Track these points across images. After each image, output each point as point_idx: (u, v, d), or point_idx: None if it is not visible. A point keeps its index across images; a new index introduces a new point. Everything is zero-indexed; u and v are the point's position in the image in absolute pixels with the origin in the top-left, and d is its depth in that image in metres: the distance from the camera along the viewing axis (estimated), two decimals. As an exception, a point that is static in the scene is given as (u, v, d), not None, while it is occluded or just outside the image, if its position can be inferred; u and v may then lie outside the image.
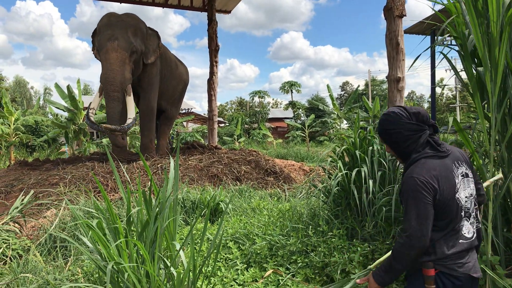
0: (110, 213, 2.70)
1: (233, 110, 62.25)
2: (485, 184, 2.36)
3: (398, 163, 3.51)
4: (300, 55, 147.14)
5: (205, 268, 3.01)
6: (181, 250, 2.59)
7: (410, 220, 1.85)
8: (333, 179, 3.58)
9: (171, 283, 2.63)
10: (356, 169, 3.44)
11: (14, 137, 17.68)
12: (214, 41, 12.90)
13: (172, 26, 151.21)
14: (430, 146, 1.97)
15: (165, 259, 2.70)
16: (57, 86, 16.52)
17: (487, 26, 2.72)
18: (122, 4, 12.91)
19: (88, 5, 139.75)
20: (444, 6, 3.13)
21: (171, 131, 17.42)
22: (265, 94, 49.45)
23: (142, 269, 2.51)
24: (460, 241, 1.91)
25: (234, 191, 6.48)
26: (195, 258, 2.63)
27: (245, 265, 3.42)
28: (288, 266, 3.30)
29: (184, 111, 32.82)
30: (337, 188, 3.62)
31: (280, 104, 70.96)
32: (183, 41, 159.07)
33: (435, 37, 3.96)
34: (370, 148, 3.54)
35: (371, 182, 3.30)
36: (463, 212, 1.92)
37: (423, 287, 1.89)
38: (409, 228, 1.85)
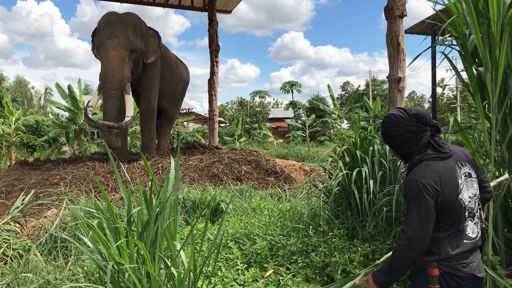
0: (111, 213, 2.70)
1: (233, 110, 62.27)
2: (491, 184, 2.36)
3: (398, 163, 3.51)
4: (300, 55, 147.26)
5: (206, 268, 3.01)
6: (181, 250, 2.59)
7: (411, 222, 1.87)
8: (333, 179, 3.58)
9: (171, 283, 2.63)
10: (357, 169, 3.44)
11: (15, 137, 17.70)
12: (215, 41, 12.90)
13: (172, 26, 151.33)
14: (432, 148, 1.97)
15: (165, 259, 2.70)
16: (57, 86, 16.53)
17: (487, 26, 2.72)
18: (123, 4, 12.91)
19: (89, 5, 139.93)
20: (444, 6, 3.13)
21: (171, 131, 17.43)
22: (266, 94, 49.44)
23: (143, 269, 2.51)
24: (465, 241, 1.91)
25: (234, 191, 6.48)
26: (196, 258, 2.63)
27: (246, 265, 3.42)
28: (289, 266, 3.30)
29: (184, 111, 32.82)
30: (337, 188, 3.62)
31: (281, 104, 70.99)
32: (183, 41, 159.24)
33: (436, 37, 3.95)
34: (371, 148, 3.54)
35: (371, 182, 3.30)
36: (467, 212, 1.92)
37: (427, 287, 1.89)
38: (410, 230, 1.87)
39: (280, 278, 3.14)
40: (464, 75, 3.13)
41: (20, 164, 8.68)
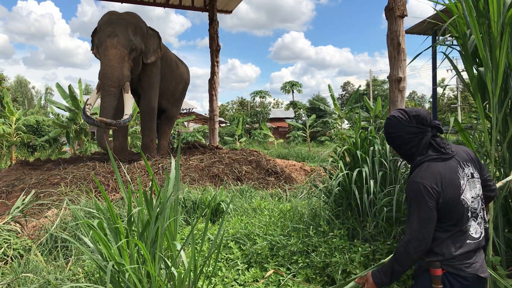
0: (111, 213, 2.70)
1: (234, 110, 62.30)
2: (498, 185, 2.36)
3: (399, 163, 3.51)
4: (301, 55, 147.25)
5: (206, 268, 3.01)
6: (182, 250, 2.59)
7: (412, 223, 1.89)
8: (334, 179, 3.58)
9: (172, 283, 2.63)
10: (357, 169, 3.44)
11: (15, 137, 17.70)
12: (215, 41, 12.90)
13: (173, 26, 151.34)
14: (433, 149, 1.97)
15: (166, 259, 2.70)
16: (58, 86, 16.53)
17: (488, 26, 2.72)
18: (123, 4, 12.91)
19: (89, 5, 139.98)
20: (445, 6, 3.13)
21: (172, 131, 17.43)
22: (266, 94, 49.43)
23: (143, 269, 2.51)
24: (468, 241, 1.91)
25: (235, 191, 6.48)
26: (196, 258, 2.63)
27: (246, 265, 3.42)
28: (289, 266, 3.30)
29: (185, 111, 32.83)
30: (338, 188, 3.62)
31: (281, 104, 71.00)
32: (184, 41, 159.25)
33: (437, 37, 3.95)
34: (371, 148, 3.54)
35: (372, 182, 3.30)
36: (469, 212, 1.93)
37: (430, 287, 1.90)
38: (411, 231, 1.88)
39: (281, 278, 3.14)
40: (464, 75, 3.14)
41: (20, 164, 8.69)
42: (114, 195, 6.22)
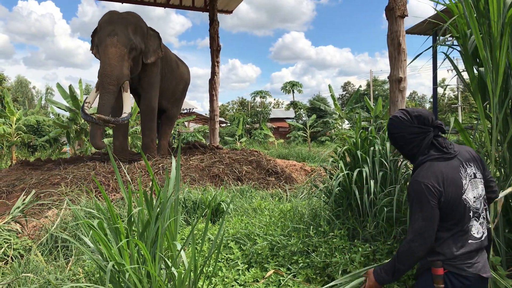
0: (111, 213, 2.70)
1: (234, 110, 62.32)
2: (506, 192, 2.34)
3: (399, 163, 3.51)
4: (301, 55, 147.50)
5: (206, 268, 3.01)
6: (182, 250, 2.59)
7: (414, 222, 1.90)
8: (334, 180, 3.57)
9: (172, 283, 2.63)
10: (358, 169, 3.44)
11: (15, 137, 17.71)
12: (216, 41, 12.89)
13: (173, 26, 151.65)
14: (435, 148, 1.98)
15: (166, 259, 2.70)
16: (58, 86, 16.54)
17: (488, 26, 2.71)
18: (124, 4, 12.91)
19: (90, 5, 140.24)
20: (445, 6, 3.13)
21: (172, 131, 17.43)
22: (267, 94, 49.44)
23: (143, 269, 2.51)
24: (469, 241, 1.92)
25: (235, 191, 6.48)
26: (196, 258, 2.63)
27: (246, 265, 3.42)
28: (289, 266, 3.30)
29: (185, 111, 32.83)
30: (338, 188, 3.61)
31: (282, 104, 71.00)
32: (184, 41, 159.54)
33: (437, 38, 3.95)
34: (372, 148, 3.53)
35: (372, 182, 3.30)
36: (471, 212, 1.93)
37: (432, 286, 1.90)
38: (413, 230, 1.89)
39: (281, 278, 3.14)
40: (465, 75, 3.13)
41: (21, 164, 8.69)
42: (114, 195, 6.22)
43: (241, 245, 3.81)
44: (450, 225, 1.91)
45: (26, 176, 7.11)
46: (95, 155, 9.71)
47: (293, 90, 48.46)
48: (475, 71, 2.96)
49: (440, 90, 13.58)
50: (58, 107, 16.99)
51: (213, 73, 12.94)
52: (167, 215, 2.77)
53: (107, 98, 7.54)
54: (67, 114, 17.32)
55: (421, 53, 3.19)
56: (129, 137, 16.28)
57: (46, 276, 3.49)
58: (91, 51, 8.63)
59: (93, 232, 2.54)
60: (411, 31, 10.92)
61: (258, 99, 51.65)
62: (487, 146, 2.84)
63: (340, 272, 3.01)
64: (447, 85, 4.25)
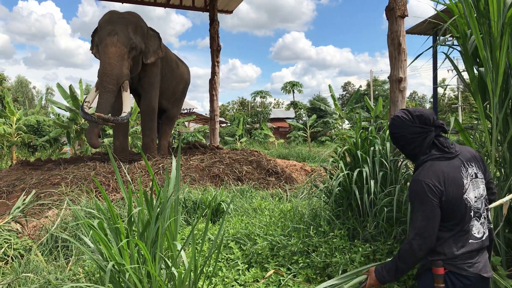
0: (111, 213, 2.70)
1: (234, 110, 62.32)
2: (504, 199, 2.33)
3: (399, 163, 3.51)
4: (302, 55, 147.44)
5: (206, 268, 3.01)
6: (182, 250, 2.59)
7: (416, 221, 1.90)
8: (334, 180, 3.57)
9: (172, 283, 2.63)
10: (358, 169, 3.44)
11: (16, 137, 17.71)
12: (216, 41, 12.89)
13: (174, 26, 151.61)
14: (437, 148, 1.98)
15: (166, 259, 2.70)
16: (59, 86, 16.54)
17: (488, 26, 2.71)
18: (124, 4, 12.91)
19: (90, 5, 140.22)
20: (446, 6, 3.13)
21: (172, 131, 17.43)
22: (267, 94, 49.43)
23: (143, 269, 2.51)
24: (470, 241, 1.92)
25: (235, 191, 6.48)
26: (196, 258, 2.63)
27: (246, 265, 3.42)
28: (289, 266, 3.30)
29: (185, 111, 32.82)
30: (338, 188, 3.61)
31: (282, 104, 70.98)
32: (184, 41, 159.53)
33: (437, 38, 3.95)
34: (372, 148, 3.53)
35: (372, 182, 3.30)
36: (472, 212, 1.93)
37: (432, 286, 1.90)
38: (414, 229, 1.90)
39: (281, 278, 3.14)
40: (465, 75, 3.13)
41: (21, 164, 8.69)
42: (114, 195, 6.22)
43: (241, 245, 3.81)
44: (451, 225, 1.91)
45: (26, 176, 7.11)
46: (95, 155, 9.71)
47: (293, 90, 48.47)
48: (475, 71, 2.96)
49: (440, 90, 13.58)
50: (58, 107, 16.98)
51: (213, 73, 12.94)
52: (167, 215, 2.77)
53: (106, 97, 7.54)
54: (67, 114, 17.32)
55: (422, 53, 3.19)
56: (129, 137, 16.28)
57: (46, 276, 3.49)
58: (91, 51, 8.62)
59: (93, 232, 2.54)
60: (411, 31, 10.92)
61: (258, 99, 51.67)
62: (487, 146, 2.84)
63: (340, 272, 3.01)
64: (447, 85, 4.25)
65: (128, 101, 7.96)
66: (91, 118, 7.35)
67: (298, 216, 4.08)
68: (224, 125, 37.71)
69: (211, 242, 3.67)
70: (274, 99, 73.54)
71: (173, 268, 2.59)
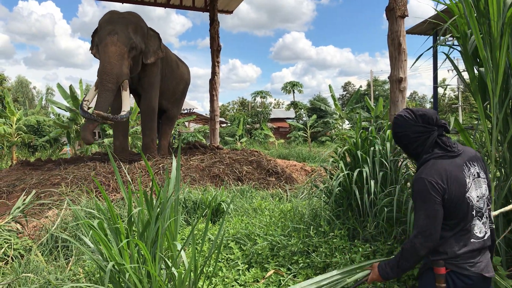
0: (111, 214, 2.70)
1: (235, 110, 62.33)
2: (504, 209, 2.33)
3: (399, 163, 3.51)
4: (302, 55, 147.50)
5: (206, 268, 3.01)
6: (182, 250, 2.59)
7: (419, 219, 1.91)
8: (334, 180, 3.57)
9: (172, 283, 2.63)
10: (358, 169, 3.44)
11: (16, 137, 17.72)
12: (216, 41, 12.90)
13: (174, 26, 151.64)
14: (439, 147, 1.99)
15: (166, 259, 2.70)
16: (59, 86, 16.56)
17: (488, 26, 2.71)
18: (124, 4, 12.92)
19: (90, 5, 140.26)
20: (446, 6, 3.13)
21: (172, 131, 17.44)
22: (267, 94, 49.39)
23: (143, 269, 2.51)
24: (472, 240, 1.92)
25: (235, 191, 6.48)
26: (196, 258, 2.63)
27: (247, 266, 3.42)
28: (290, 266, 3.30)
29: (186, 111, 32.84)
30: (338, 188, 3.61)
31: (282, 104, 71.00)
32: (185, 41, 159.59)
33: (438, 38, 3.95)
34: (372, 148, 3.53)
35: (372, 182, 3.30)
36: (474, 211, 1.93)
37: (434, 286, 1.90)
38: (417, 227, 1.90)
39: (281, 278, 3.14)
40: (465, 75, 3.13)
41: (21, 164, 8.69)
42: (114, 195, 6.22)
43: (241, 245, 3.81)
44: (453, 224, 1.91)
45: (27, 176, 7.12)
46: (95, 155, 9.71)
47: (293, 90, 48.43)
48: (475, 71, 2.96)
49: (440, 90, 13.58)
50: (58, 107, 17.01)
51: (214, 73, 12.94)
52: (167, 215, 2.77)
53: (105, 96, 7.54)
54: (68, 114, 17.35)
55: (422, 54, 3.19)
56: (129, 137, 16.28)
57: (46, 276, 3.49)
58: (90, 51, 8.63)
59: (93, 232, 2.54)
60: (411, 31, 10.91)
61: (258, 99, 51.63)
62: (487, 146, 2.84)
63: (340, 272, 3.00)
64: (448, 85, 4.25)
65: (128, 100, 7.96)
66: (90, 116, 7.35)
67: (298, 216, 4.08)
68: (224, 125, 37.71)
69: (211, 242, 3.67)
70: (274, 99, 73.68)
71: (173, 268, 2.59)
